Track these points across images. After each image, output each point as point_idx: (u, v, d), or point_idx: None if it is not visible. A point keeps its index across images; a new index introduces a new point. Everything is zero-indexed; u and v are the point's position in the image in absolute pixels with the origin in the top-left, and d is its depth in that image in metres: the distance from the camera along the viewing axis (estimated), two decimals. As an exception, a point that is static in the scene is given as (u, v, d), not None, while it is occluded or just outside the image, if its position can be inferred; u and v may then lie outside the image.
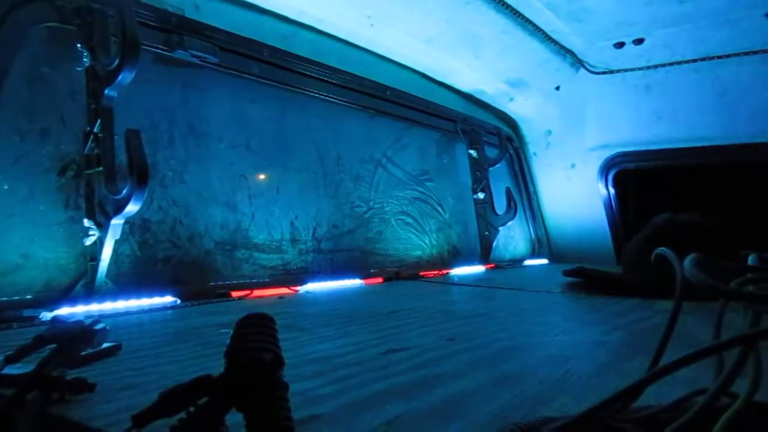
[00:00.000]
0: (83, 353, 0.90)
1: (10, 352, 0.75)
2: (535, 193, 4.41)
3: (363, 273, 2.76)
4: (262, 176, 2.47)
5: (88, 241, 1.74)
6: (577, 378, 0.91)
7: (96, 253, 1.75)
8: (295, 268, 2.50)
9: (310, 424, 0.68)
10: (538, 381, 0.90)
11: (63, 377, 0.76)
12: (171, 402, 0.51)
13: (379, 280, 2.79)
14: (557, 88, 3.96)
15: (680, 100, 3.62)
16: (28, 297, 1.67)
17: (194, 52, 2.10)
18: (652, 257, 0.60)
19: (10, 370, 0.75)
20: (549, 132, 4.26)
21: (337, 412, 0.74)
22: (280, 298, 2.15)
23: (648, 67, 3.66)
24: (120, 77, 1.69)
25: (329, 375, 0.93)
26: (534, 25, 3.15)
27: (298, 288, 2.33)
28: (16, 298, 1.65)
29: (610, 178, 4.08)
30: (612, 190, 4.10)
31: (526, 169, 4.37)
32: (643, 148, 3.87)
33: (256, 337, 0.52)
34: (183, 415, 0.51)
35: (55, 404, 0.74)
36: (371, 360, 1.05)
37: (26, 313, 1.54)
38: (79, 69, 1.80)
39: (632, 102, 3.80)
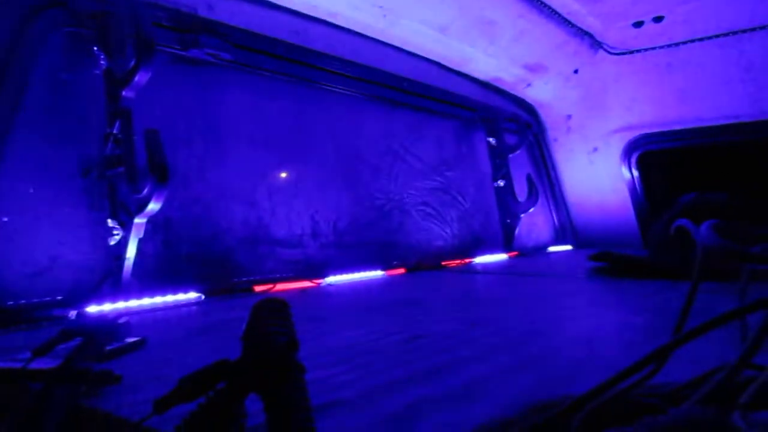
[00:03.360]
0: (109, 348, 0.91)
1: (38, 346, 0.77)
2: (557, 178, 4.35)
3: (385, 264, 2.76)
4: (280, 172, 2.48)
5: (113, 241, 1.78)
6: (601, 359, 0.90)
7: (121, 252, 1.78)
8: (316, 261, 2.51)
9: (332, 409, 0.68)
10: (561, 363, 0.89)
11: (90, 370, 0.77)
12: (190, 387, 0.52)
13: (401, 270, 2.79)
14: (576, 72, 3.89)
15: (704, 78, 3.52)
16: (59, 298, 1.71)
17: (209, 51, 2.12)
18: (672, 230, 0.58)
19: (39, 363, 0.76)
20: (569, 116, 4.20)
21: (358, 397, 0.74)
22: (302, 291, 2.16)
23: (669, 45, 3.56)
24: (137, 78, 1.71)
25: (351, 362, 0.94)
26: (549, 7, 3.10)
27: (321, 281, 2.34)
28: (47, 299, 1.69)
29: (633, 160, 4.00)
30: (636, 173, 4.02)
31: (546, 155, 4.31)
32: (667, 128, 3.78)
33: (270, 321, 0.53)
34: (203, 399, 0.52)
35: (82, 396, 0.75)
36: (393, 347, 1.05)
37: (56, 312, 1.58)
38: (97, 72, 1.83)
39: (654, 82, 3.71)
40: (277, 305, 0.54)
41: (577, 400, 0.47)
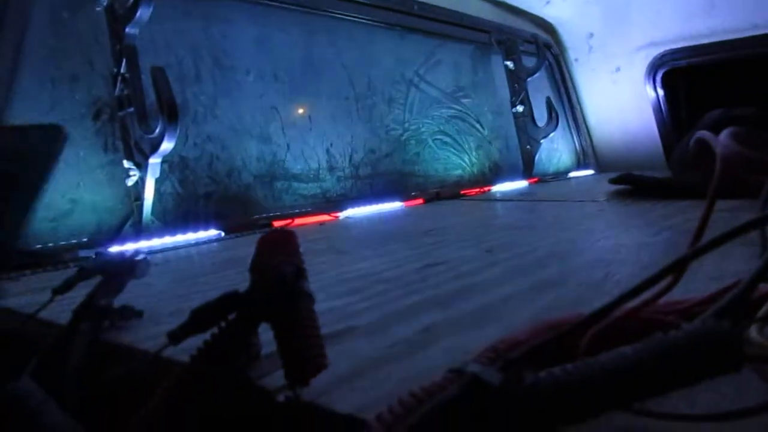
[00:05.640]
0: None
1: (57, 285, 0.79)
2: (578, 101, 4.21)
3: (403, 195, 2.75)
4: (293, 106, 2.45)
5: (130, 182, 1.79)
6: (618, 279, 0.90)
7: (139, 192, 1.80)
8: (334, 195, 2.51)
9: (345, 336, 0.69)
10: (576, 284, 0.89)
11: (111, 306, 0.80)
12: (201, 318, 0.52)
13: (420, 201, 2.78)
14: (598, -15, 3.67)
15: (735, -16, 3.30)
16: (84, 239, 1.74)
17: (210, -19, 2.04)
18: (691, 142, 0.55)
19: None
20: (590, 35, 4.01)
21: (373, 323, 0.75)
22: (321, 225, 2.18)
23: (698, -51, 3.33)
24: (138, 14, 1.67)
25: (366, 291, 0.94)
26: None
27: (339, 214, 2.35)
28: (74, 241, 1.72)
29: (658, 78, 3.83)
30: (661, 92, 3.86)
31: (567, 76, 4.16)
32: (694, 42, 3.59)
33: (276, 251, 0.52)
34: (215, 330, 0.53)
35: (105, 331, 0.78)
36: (408, 275, 1.06)
37: (82, 253, 1.62)
38: (98, 9, 1.78)
39: (682, -9, 3.49)
40: (283, 236, 0.54)
41: (588, 318, 0.46)
